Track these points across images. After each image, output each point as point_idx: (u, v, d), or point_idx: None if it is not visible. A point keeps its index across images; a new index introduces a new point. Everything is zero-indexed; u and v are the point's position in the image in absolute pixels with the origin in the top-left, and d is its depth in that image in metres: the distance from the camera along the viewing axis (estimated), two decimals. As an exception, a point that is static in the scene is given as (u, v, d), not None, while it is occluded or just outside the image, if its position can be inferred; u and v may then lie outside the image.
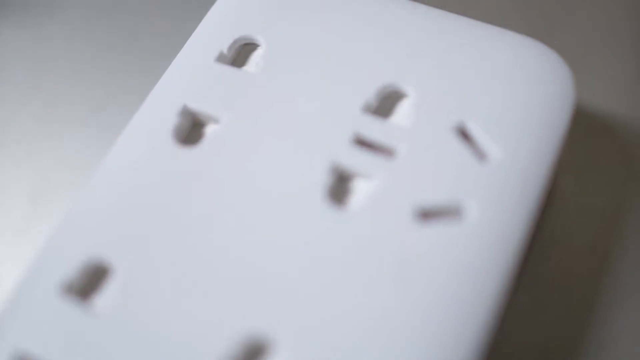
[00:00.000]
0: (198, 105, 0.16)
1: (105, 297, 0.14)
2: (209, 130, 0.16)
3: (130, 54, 0.20)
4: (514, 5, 0.20)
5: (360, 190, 0.15)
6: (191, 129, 0.16)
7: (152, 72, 0.19)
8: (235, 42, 0.17)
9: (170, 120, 0.16)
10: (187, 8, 0.20)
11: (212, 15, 0.17)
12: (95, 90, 0.19)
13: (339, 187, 0.15)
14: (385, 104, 0.16)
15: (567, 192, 0.17)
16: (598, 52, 0.19)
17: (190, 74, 0.16)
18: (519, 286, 0.16)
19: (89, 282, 0.15)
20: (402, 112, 0.16)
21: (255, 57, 0.17)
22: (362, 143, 0.15)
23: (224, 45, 0.17)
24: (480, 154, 0.15)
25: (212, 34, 0.17)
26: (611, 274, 0.17)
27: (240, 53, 0.17)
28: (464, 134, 0.15)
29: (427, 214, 0.14)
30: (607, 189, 0.17)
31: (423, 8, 0.17)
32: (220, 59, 0.17)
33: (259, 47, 0.17)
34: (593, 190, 0.17)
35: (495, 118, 0.15)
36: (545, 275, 0.16)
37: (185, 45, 0.17)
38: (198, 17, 0.20)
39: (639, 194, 0.17)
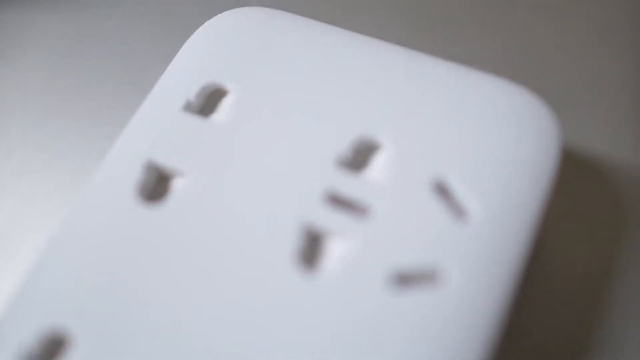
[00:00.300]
0: (164, 159, 0.15)
1: (65, 369, 0.14)
2: (175, 184, 0.15)
3: (95, 100, 0.19)
4: (496, 47, 0.19)
5: (332, 252, 0.14)
6: (157, 182, 0.15)
7: (117, 118, 0.19)
8: (203, 89, 0.16)
9: (134, 175, 0.15)
10: (153, 52, 0.20)
11: (179, 61, 0.16)
12: (58, 137, 0.18)
13: (311, 247, 0.14)
14: (359, 156, 0.15)
15: (555, 240, 0.16)
16: (584, 92, 0.18)
17: (156, 125, 0.16)
18: (504, 350, 0.15)
19: (48, 352, 0.14)
20: (378, 165, 0.15)
21: (224, 104, 0.16)
22: (335, 200, 0.15)
23: (191, 92, 0.16)
24: (460, 212, 0.14)
25: (178, 80, 0.16)
26: (601, 326, 0.16)
27: (208, 99, 0.16)
28: (442, 189, 0.14)
29: (404, 279, 0.14)
30: (596, 236, 0.17)
31: (399, 50, 0.16)
32: (188, 107, 0.16)
33: (228, 93, 0.16)
34: (581, 238, 0.17)
35: (476, 171, 0.14)
36: (532, 330, 0.16)
37: (150, 93, 0.16)
38: (165, 61, 0.19)
39: (630, 240, 0.16)
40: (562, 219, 0.17)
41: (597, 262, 0.16)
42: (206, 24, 0.17)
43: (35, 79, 0.19)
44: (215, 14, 0.20)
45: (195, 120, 0.16)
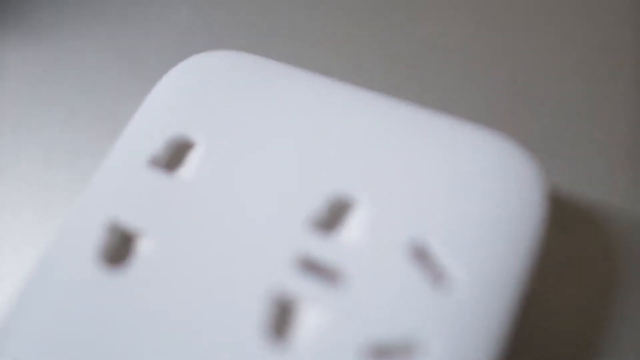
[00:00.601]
0: (127, 219, 0.14)
1: None
2: (140, 245, 0.14)
3: (62, 142, 0.18)
4: (478, 91, 0.18)
5: (303, 321, 0.13)
6: (120, 244, 0.14)
7: (85, 162, 0.18)
8: (168, 142, 0.15)
9: (96, 238, 0.14)
10: (125, 92, 0.19)
11: (143, 112, 0.15)
12: (21, 184, 0.18)
13: (280, 316, 0.13)
14: (333, 214, 0.14)
15: (545, 293, 0.16)
16: (574, 136, 0.17)
17: (119, 182, 0.15)
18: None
19: None
20: (352, 224, 0.14)
21: (192, 158, 0.15)
22: (307, 264, 0.14)
23: (156, 146, 0.15)
24: (440, 275, 0.13)
25: (143, 134, 0.15)
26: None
27: (175, 152, 0.15)
28: (421, 251, 0.14)
29: (381, 352, 0.13)
30: (589, 288, 0.16)
31: (376, 98, 0.15)
32: (153, 162, 0.15)
33: (195, 145, 0.15)
34: (573, 290, 0.16)
35: (456, 230, 0.14)
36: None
37: (114, 148, 0.15)
38: (138, 101, 0.18)
39: (624, 291, 0.15)
40: (552, 270, 0.16)
41: (591, 314, 0.15)
42: (172, 71, 0.16)
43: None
44: (192, 51, 0.19)
45: (161, 177, 0.15)
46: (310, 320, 0.13)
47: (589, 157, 0.17)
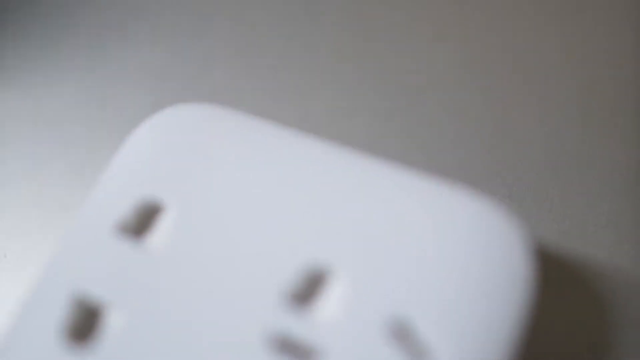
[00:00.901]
0: (94, 293, 0.14)
1: None
2: (108, 320, 0.14)
3: (28, 197, 0.17)
4: (459, 144, 0.17)
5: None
6: (86, 318, 0.14)
7: (51, 225, 0.17)
8: (137, 207, 0.14)
9: (61, 313, 0.13)
10: (96, 144, 0.18)
11: (110, 174, 0.15)
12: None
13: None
14: (309, 287, 0.13)
15: (534, 356, 0.15)
16: (560, 187, 0.16)
17: (85, 252, 0.14)
18: None
19: None
20: (329, 298, 0.13)
21: (161, 222, 0.14)
22: (282, 343, 0.13)
23: (123, 211, 0.14)
24: (422, 356, 0.13)
25: (109, 198, 0.14)
26: None
27: (144, 217, 0.14)
28: (402, 326, 0.13)
29: None
30: (579, 349, 0.15)
31: (354, 156, 0.14)
32: (121, 228, 0.14)
33: (165, 209, 0.14)
34: (562, 351, 0.15)
35: (439, 303, 0.13)
36: None
37: (78, 215, 0.14)
38: (109, 154, 0.18)
39: (614, 354, 0.15)
40: (541, 330, 0.15)
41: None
42: (140, 127, 0.15)
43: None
44: (164, 98, 0.18)
45: (129, 245, 0.14)
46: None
47: (579, 209, 0.16)
